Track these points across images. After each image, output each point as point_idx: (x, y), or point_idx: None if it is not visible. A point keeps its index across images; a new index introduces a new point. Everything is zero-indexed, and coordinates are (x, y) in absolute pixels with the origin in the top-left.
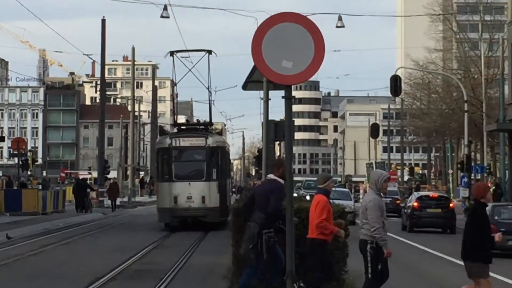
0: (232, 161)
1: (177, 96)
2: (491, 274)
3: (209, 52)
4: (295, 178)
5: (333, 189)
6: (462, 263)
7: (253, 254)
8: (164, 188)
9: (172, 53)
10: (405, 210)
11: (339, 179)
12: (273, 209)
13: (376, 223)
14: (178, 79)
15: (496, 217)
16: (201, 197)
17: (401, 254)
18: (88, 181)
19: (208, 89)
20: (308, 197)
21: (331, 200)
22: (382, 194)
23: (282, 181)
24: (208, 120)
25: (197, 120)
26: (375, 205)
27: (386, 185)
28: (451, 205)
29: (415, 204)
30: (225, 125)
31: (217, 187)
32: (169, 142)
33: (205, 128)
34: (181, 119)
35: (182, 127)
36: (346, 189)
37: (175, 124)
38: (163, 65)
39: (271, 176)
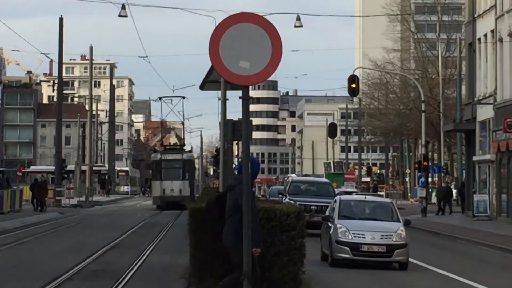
0: None
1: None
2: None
3: (183, 97)
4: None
5: (364, 198)
6: None
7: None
8: (157, 184)
9: (160, 98)
10: None
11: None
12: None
13: None
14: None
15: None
16: (179, 189)
17: None
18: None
19: (183, 123)
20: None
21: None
22: None
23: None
24: (182, 140)
25: (175, 143)
26: None
27: None
28: None
29: None
30: (183, 124)
31: (188, 184)
32: (160, 156)
33: (181, 148)
34: (139, 117)
35: (167, 147)
36: (388, 200)
37: (162, 145)
38: (120, 64)
39: None
